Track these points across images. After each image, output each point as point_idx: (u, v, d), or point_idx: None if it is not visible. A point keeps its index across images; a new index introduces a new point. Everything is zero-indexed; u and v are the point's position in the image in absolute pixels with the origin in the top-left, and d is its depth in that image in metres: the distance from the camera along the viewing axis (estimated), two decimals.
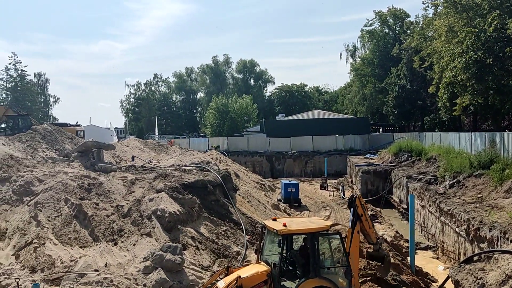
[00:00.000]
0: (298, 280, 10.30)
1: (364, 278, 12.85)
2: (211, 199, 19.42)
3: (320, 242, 10.56)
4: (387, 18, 64.56)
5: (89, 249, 14.89)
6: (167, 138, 64.17)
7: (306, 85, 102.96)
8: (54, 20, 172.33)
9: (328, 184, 38.44)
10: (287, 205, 28.70)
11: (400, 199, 30.14)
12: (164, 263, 13.26)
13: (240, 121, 77.78)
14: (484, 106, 30.81)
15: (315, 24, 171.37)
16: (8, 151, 24.28)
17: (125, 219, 16.40)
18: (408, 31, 57.18)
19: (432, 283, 15.94)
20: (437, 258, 19.95)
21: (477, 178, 20.94)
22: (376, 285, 12.83)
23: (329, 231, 11.16)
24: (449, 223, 18.88)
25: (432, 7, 41.11)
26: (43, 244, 15.01)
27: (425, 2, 40.51)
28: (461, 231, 17.11)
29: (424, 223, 24.17)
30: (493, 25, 26.21)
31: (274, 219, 11.46)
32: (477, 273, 13.16)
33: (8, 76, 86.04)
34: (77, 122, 54.25)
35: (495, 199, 18.11)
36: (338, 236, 11.00)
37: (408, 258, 16.95)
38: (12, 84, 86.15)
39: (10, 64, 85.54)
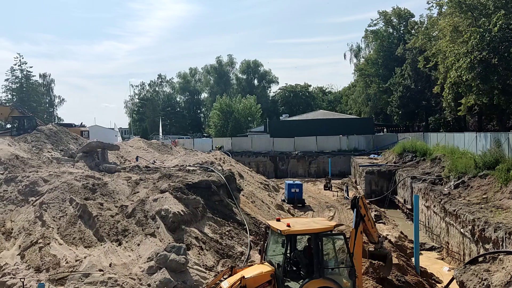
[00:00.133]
0: (302, 280, 10.29)
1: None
2: (215, 200, 19.47)
3: (324, 243, 10.54)
4: (392, 18, 64.39)
5: (93, 249, 14.95)
6: (171, 138, 64.32)
7: (310, 86, 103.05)
8: (59, 21, 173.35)
9: (332, 185, 38.38)
10: (291, 205, 28.69)
11: (404, 200, 30.04)
12: (168, 263, 13.30)
13: (244, 121, 77.83)
14: (489, 106, 30.65)
15: (319, 24, 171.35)
16: (13, 151, 24.41)
17: (130, 219, 16.46)
18: (413, 31, 56.98)
19: (437, 284, 15.87)
20: (442, 259, 19.87)
21: (482, 178, 20.83)
22: (380, 286, 12.80)
23: (333, 232, 11.14)
24: (454, 224, 18.81)
25: (437, 7, 41.05)
26: (48, 244, 15.09)
27: (429, 2, 40.43)
28: (466, 231, 17.04)
29: (428, 224, 24.08)
30: (498, 25, 26.06)
31: (278, 220, 11.44)
32: (482, 274, 13.09)
33: (14, 77, 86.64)
34: (81, 123, 54.42)
35: (500, 200, 18.01)
36: (342, 237, 10.98)
37: (413, 259, 16.89)
38: (18, 85, 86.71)
39: (15, 65, 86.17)
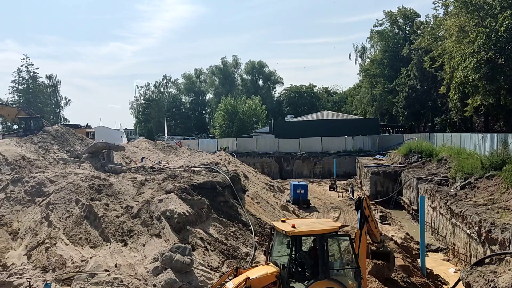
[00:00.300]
0: (307, 281, 10.27)
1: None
2: (220, 200, 19.48)
3: (329, 244, 10.52)
4: (397, 18, 64.18)
5: (99, 249, 15.02)
6: (176, 139, 64.49)
7: (315, 86, 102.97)
8: (65, 22, 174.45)
9: (337, 185, 38.29)
10: (296, 206, 28.65)
11: (410, 201, 29.90)
12: (173, 264, 13.33)
13: (249, 122, 77.88)
14: (496, 107, 30.48)
15: (324, 24, 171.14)
16: (20, 152, 24.60)
17: (135, 220, 16.52)
18: (419, 31, 56.74)
19: (443, 286, 15.79)
20: (448, 260, 19.75)
21: (489, 179, 20.68)
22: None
23: (338, 233, 11.11)
24: (460, 225, 18.70)
25: (443, 7, 40.88)
26: (55, 244, 15.18)
27: (435, 2, 40.34)
28: (473, 233, 16.93)
29: (434, 225, 23.95)
30: (504, 25, 25.91)
31: (283, 221, 11.43)
32: (488, 275, 13.01)
33: (20, 78, 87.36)
34: (87, 124, 54.72)
35: (507, 201, 17.88)
36: (347, 238, 10.95)
37: (419, 260, 16.81)
38: (24, 86, 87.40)
39: (22, 66, 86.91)
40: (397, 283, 13.22)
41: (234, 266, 12.30)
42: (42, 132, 30.46)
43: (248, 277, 10.14)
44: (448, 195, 21.63)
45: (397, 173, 34.18)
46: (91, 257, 14.39)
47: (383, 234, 14.18)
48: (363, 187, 39.08)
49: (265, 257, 11.59)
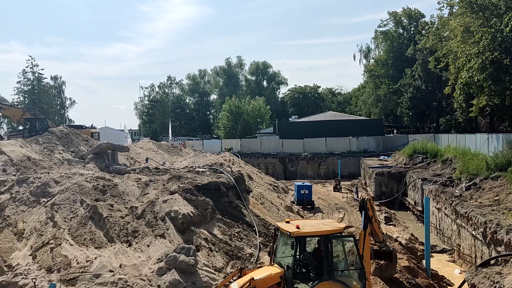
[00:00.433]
0: (311, 282, 10.24)
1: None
2: (224, 201, 19.49)
3: (333, 245, 10.49)
4: (402, 19, 63.99)
5: (104, 250, 15.06)
6: (181, 140, 64.64)
7: (319, 87, 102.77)
8: (70, 24, 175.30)
9: (342, 186, 38.21)
10: (300, 207, 28.62)
11: (415, 202, 29.79)
12: (177, 265, 13.35)
13: (253, 123, 77.91)
14: (501, 107, 30.34)
15: (328, 25, 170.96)
16: (25, 153, 24.73)
17: (139, 221, 16.56)
18: (423, 32, 56.58)
19: (448, 287, 15.71)
20: (453, 262, 19.65)
21: (494, 180, 20.57)
22: None
23: (343, 234, 11.08)
24: (466, 226, 18.60)
25: (448, 7, 40.71)
26: (60, 244, 15.25)
27: (440, 2, 40.16)
28: (478, 234, 16.84)
29: (439, 226, 23.84)
30: (509, 25, 25.77)
31: (288, 221, 11.41)
32: (494, 276, 12.93)
33: (26, 79, 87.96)
34: (92, 124, 55.07)
35: None
36: (351, 239, 10.91)
37: (424, 261, 16.75)
38: (30, 87, 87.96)
39: (27, 67, 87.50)
40: (402, 284, 13.17)
41: (239, 267, 12.30)
42: (47, 133, 30.63)
43: (253, 278, 10.14)
44: (453, 196, 21.53)
45: (401, 174, 34.07)
46: (95, 258, 14.44)
47: (385, 234, 14.17)
48: (367, 188, 38.98)
49: (269, 258, 11.58)
